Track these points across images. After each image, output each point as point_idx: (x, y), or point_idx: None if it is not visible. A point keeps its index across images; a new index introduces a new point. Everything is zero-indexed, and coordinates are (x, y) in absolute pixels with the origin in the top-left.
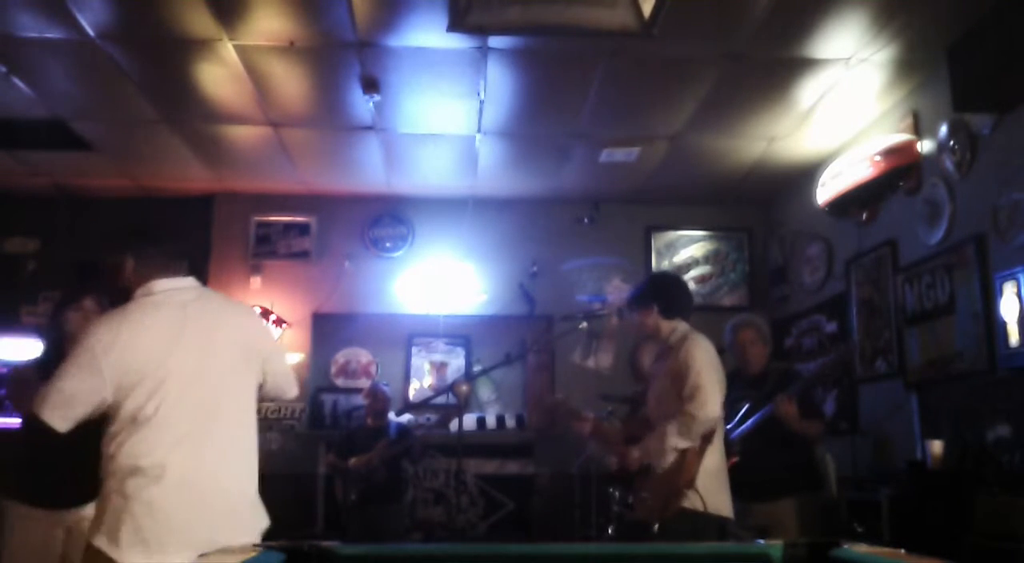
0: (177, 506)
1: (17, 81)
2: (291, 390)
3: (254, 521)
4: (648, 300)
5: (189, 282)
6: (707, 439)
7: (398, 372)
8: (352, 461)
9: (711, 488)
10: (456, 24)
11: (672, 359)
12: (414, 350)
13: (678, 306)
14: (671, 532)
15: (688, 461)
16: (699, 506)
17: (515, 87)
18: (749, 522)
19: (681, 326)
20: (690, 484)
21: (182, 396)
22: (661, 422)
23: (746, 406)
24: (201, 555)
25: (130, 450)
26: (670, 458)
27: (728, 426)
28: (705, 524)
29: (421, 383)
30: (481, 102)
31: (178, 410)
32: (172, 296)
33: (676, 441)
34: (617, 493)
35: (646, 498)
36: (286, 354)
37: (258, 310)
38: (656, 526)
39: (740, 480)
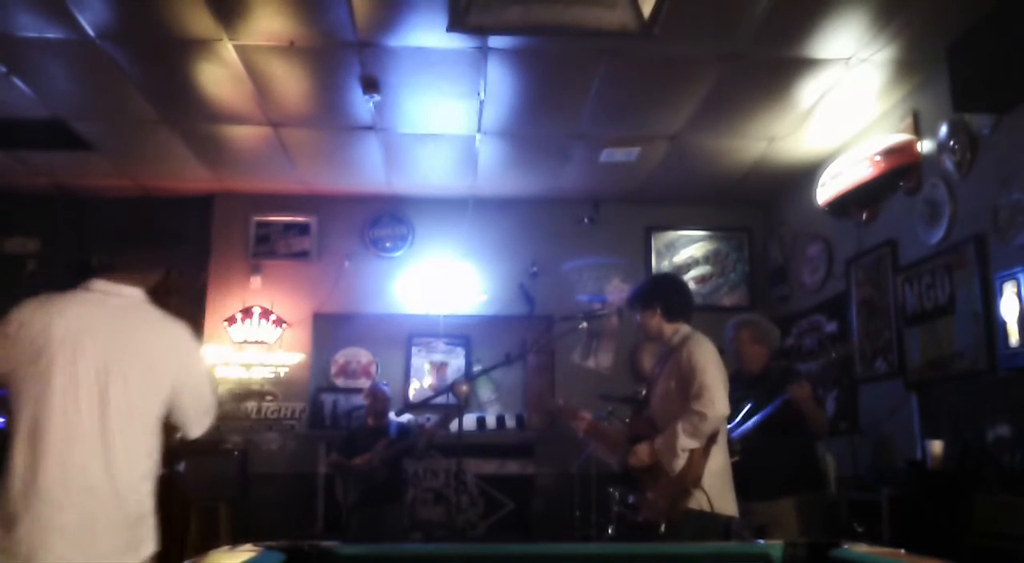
0: (51, 513)
1: (17, 81)
2: (192, 429)
3: (132, 537)
4: (651, 302)
5: (131, 292)
6: (712, 439)
7: (398, 372)
8: (357, 460)
9: (717, 488)
10: (456, 24)
11: (675, 360)
12: (414, 350)
13: (681, 308)
14: (678, 532)
15: (694, 461)
16: (706, 506)
17: (515, 87)
18: (750, 521)
19: (683, 328)
20: (696, 483)
21: (77, 392)
22: (667, 422)
23: (748, 406)
24: (201, 555)
25: (15, 451)
26: (682, 461)
27: (729, 426)
28: (712, 524)
29: (421, 383)
30: (481, 102)
31: (68, 410)
32: (103, 297)
33: (686, 441)
34: (617, 493)
35: (651, 498)
36: (205, 396)
37: (259, 310)
38: (663, 526)
39: (741, 479)
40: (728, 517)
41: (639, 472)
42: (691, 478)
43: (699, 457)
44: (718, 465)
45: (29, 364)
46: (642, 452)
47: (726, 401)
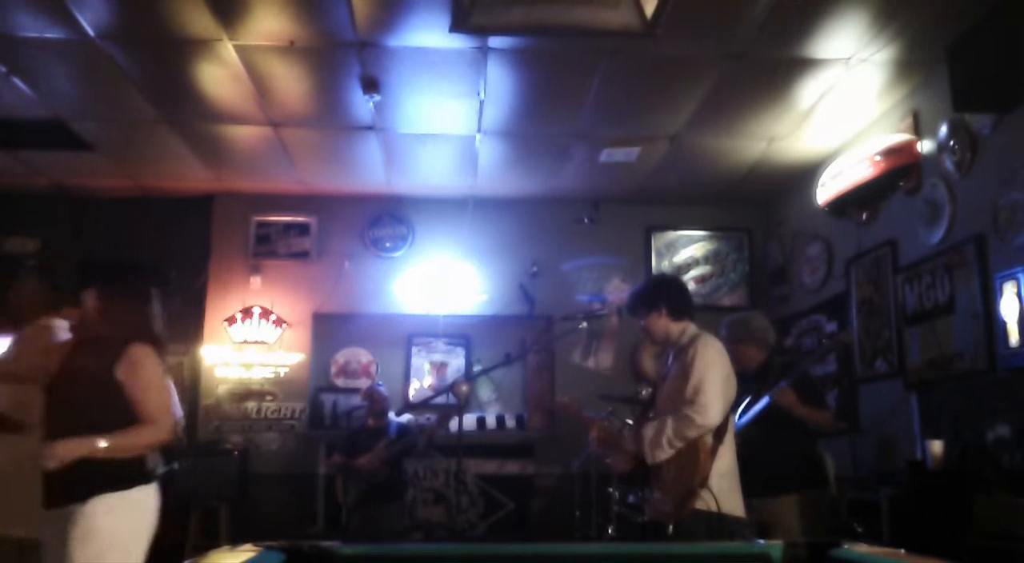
0: None
1: (17, 81)
2: None
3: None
4: (656, 303)
5: (57, 323)
6: (719, 439)
7: (398, 372)
8: (362, 460)
9: (724, 489)
10: (459, 25)
11: (682, 359)
12: (414, 350)
13: (685, 306)
14: (686, 533)
15: (702, 461)
16: (713, 507)
17: (515, 87)
18: (751, 519)
19: (690, 327)
20: (703, 483)
21: None
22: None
23: (747, 401)
24: (201, 555)
25: None
26: (665, 454)
27: None
28: (719, 525)
29: (421, 383)
30: (481, 102)
31: None
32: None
33: (673, 439)
34: (617, 493)
35: (659, 499)
36: None
37: (259, 310)
38: (671, 527)
39: (741, 476)
40: (736, 518)
41: (648, 471)
42: (699, 479)
43: (707, 457)
44: (726, 465)
45: None
46: (621, 461)
47: (719, 407)
